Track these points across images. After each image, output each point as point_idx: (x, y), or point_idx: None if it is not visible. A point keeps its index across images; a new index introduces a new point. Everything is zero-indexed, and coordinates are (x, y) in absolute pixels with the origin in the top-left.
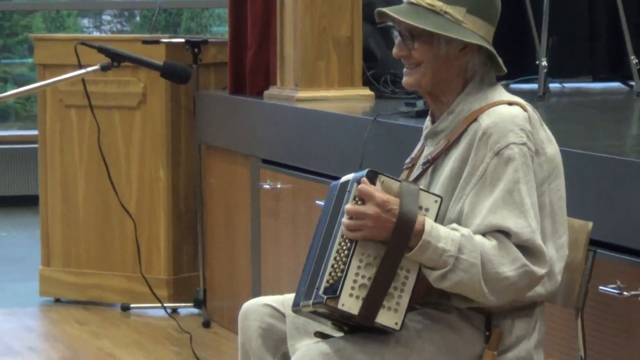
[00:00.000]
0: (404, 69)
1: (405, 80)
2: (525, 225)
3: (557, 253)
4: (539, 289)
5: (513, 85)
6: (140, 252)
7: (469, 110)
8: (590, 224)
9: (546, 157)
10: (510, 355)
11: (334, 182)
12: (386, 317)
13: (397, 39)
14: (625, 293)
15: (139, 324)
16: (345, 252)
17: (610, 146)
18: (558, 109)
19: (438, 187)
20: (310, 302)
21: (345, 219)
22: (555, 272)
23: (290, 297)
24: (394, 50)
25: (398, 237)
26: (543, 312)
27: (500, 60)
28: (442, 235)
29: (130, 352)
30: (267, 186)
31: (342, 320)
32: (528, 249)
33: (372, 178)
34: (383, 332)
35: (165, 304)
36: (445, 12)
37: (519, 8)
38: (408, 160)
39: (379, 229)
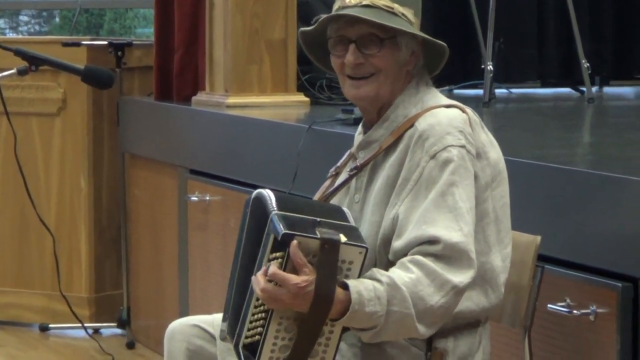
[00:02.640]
0: (349, 81)
1: (357, 92)
2: (456, 228)
3: (502, 263)
4: (483, 302)
5: (457, 91)
6: (60, 268)
7: (404, 116)
8: (538, 238)
9: (489, 162)
10: None
11: (248, 197)
12: None
13: (351, 47)
14: (575, 311)
15: (59, 345)
16: (263, 314)
17: (560, 155)
18: (505, 115)
19: (373, 197)
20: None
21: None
22: (499, 283)
23: (219, 317)
24: (349, 58)
25: (315, 316)
26: (487, 330)
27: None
28: (368, 297)
29: None
30: (195, 198)
31: None
32: (453, 257)
33: (287, 242)
34: None
35: (86, 324)
36: (403, 14)
37: (464, 9)
38: (332, 169)
39: (295, 307)
